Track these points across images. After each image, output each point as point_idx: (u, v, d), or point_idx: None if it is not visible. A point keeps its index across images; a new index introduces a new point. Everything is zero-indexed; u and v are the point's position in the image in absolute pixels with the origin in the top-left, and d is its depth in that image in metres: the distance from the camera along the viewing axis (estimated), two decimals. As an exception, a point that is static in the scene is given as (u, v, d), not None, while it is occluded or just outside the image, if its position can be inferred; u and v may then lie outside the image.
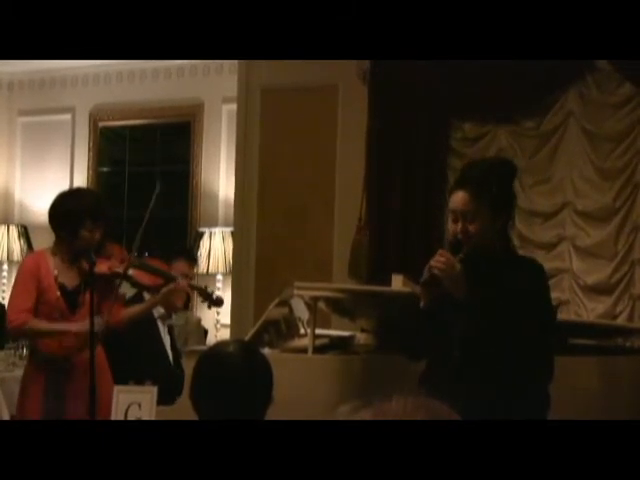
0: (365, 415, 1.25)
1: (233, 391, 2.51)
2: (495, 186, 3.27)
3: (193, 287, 4.87)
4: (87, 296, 4.15)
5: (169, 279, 4.38)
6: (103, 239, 4.25)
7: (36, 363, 4.26)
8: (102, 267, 4.16)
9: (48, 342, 4.22)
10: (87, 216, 4.16)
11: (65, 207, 4.23)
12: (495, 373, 3.16)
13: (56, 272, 4.20)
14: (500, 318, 3.16)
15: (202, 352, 2.76)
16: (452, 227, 3.31)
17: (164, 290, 4.32)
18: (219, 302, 4.78)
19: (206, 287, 4.87)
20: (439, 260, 3.19)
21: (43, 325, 4.16)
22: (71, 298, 4.21)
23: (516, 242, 3.73)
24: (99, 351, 4.04)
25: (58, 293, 4.17)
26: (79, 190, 4.60)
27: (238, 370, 2.56)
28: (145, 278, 4.32)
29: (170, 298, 4.45)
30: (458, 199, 3.28)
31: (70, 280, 4.22)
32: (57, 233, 4.27)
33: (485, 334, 3.19)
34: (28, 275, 4.24)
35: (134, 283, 4.37)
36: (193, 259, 5.57)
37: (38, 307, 4.21)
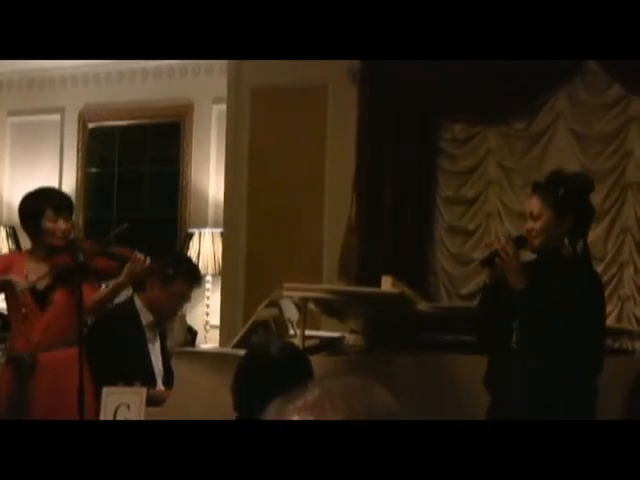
0: (288, 411, 1.26)
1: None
2: (562, 192, 3.61)
3: (152, 268, 4.30)
4: (58, 295, 4.18)
5: (125, 260, 4.23)
6: (74, 233, 4.23)
7: (7, 361, 4.29)
8: (61, 260, 4.16)
9: (16, 339, 4.24)
10: (47, 207, 4.17)
11: (26, 203, 4.27)
12: (551, 364, 3.52)
13: (26, 271, 4.21)
14: (552, 313, 3.53)
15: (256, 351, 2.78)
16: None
17: (125, 270, 4.22)
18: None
19: (167, 269, 4.48)
20: (504, 249, 3.63)
21: None
22: (41, 297, 4.20)
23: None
24: (73, 351, 4.04)
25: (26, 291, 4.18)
26: (40, 187, 4.60)
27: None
28: (103, 262, 4.25)
29: (134, 276, 4.27)
30: (530, 201, 3.71)
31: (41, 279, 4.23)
32: (26, 232, 4.30)
33: (538, 326, 3.57)
34: None
35: (92, 270, 4.26)
36: (194, 278, 4.78)
37: (10, 303, 4.25)
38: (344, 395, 1.25)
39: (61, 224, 4.18)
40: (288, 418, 1.25)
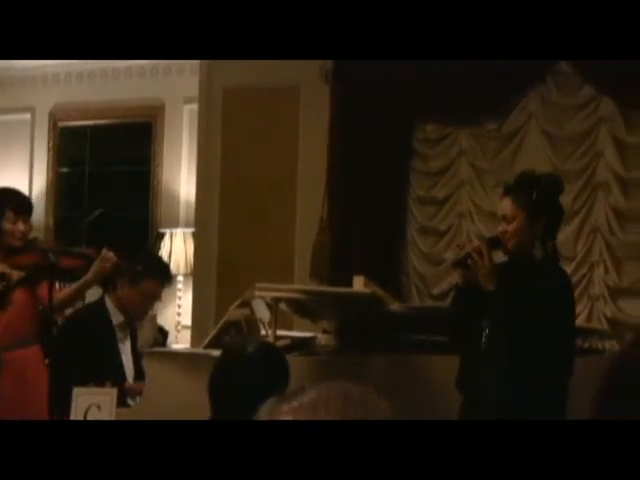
0: (283, 411, 1.25)
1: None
2: (535, 194, 3.64)
3: (119, 266, 4.33)
4: (17, 294, 4.16)
5: (90, 259, 4.25)
6: (30, 233, 4.23)
7: None
8: (20, 260, 4.14)
9: None
10: (7, 208, 4.18)
11: None
12: (519, 364, 3.56)
13: None
14: (523, 314, 3.57)
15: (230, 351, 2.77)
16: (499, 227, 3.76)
17: (93, 267, 4.22)
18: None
19: (136, 267, 4.49)
20: (477, 251, 3.64)
21: None
22: (0, 297, 4.18)
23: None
24: (36, 351, 4.02)
25: None
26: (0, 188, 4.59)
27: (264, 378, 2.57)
28: (67, 261, 4.25)
29: (102, 273, 4.26)
30: (502, 203, 3.73)
31: None
32: None
33: (509, 328, 3.59)
34: None
35: (58, 270, 4.25)
36: (164, 277, 4.79)
37: None
38: (339, 400, 1.24)
39: (20, 225, 4.18)
40: (281, 418, 1.24)
